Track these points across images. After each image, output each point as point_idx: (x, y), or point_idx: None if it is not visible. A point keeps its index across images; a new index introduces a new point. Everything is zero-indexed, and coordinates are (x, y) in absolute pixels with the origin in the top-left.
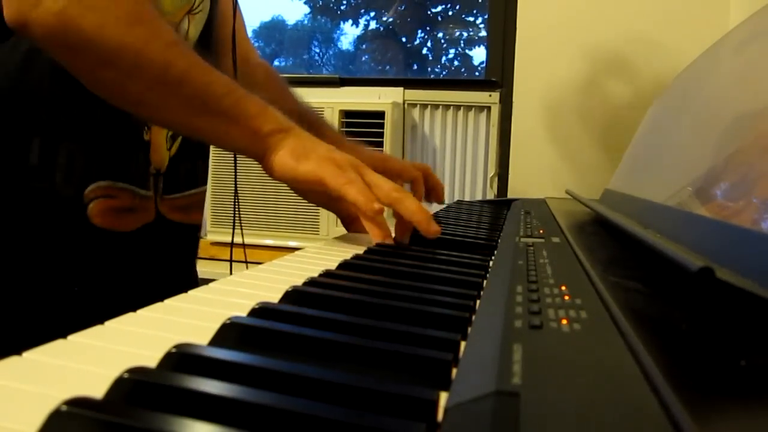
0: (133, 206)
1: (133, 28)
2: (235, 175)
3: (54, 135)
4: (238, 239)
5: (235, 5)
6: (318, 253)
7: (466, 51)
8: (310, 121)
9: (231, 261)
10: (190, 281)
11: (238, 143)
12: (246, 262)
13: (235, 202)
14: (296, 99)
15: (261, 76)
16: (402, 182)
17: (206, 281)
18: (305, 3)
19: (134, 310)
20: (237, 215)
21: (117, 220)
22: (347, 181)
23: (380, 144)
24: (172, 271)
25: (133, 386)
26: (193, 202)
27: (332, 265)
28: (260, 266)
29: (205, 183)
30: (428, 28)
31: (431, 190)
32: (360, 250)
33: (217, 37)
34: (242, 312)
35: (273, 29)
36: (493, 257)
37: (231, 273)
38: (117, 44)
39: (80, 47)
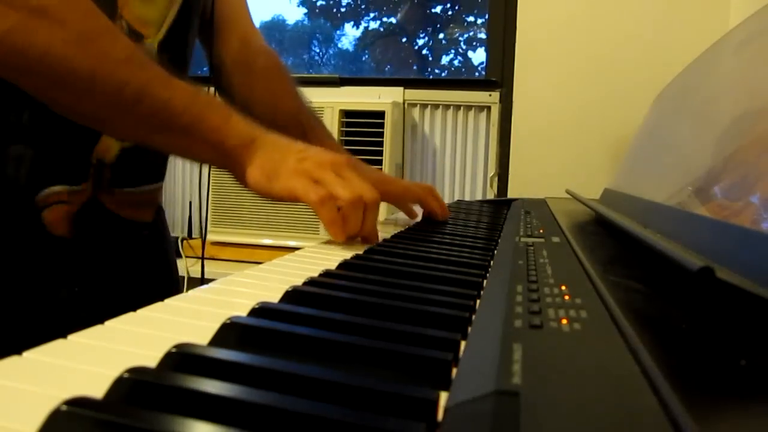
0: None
1: (84, 47)
2: (209, 175)
3: (2, 137)
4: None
5: None
6: (318, 253)
7: (467, 51)
8: (305, 125)
9: (203, 258)
10: (170, 279)
11: (202, 157)
12: (201, 257)
13: (206, 198)
14: (297, 97)
15: (261, 65)
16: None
17: (206, 281)
18: (301, 4)
19: (134, 310)
20: (206, 211)
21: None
22: (319, 199)
23: (380, 144)
24: (152, 269)
25: (133, 386)
26: (146, 199)
27: (332, 265)
28: (260, 266)
29: (161, 179)
30: (429, 29)
31: (432, 212)
32: (360, 250)
33: (219, 15)
34: (242, 312)
35: (273, 29)
36: (493, 257)
37: (203, 273)
38: (67, 67)
39: (28, 71)
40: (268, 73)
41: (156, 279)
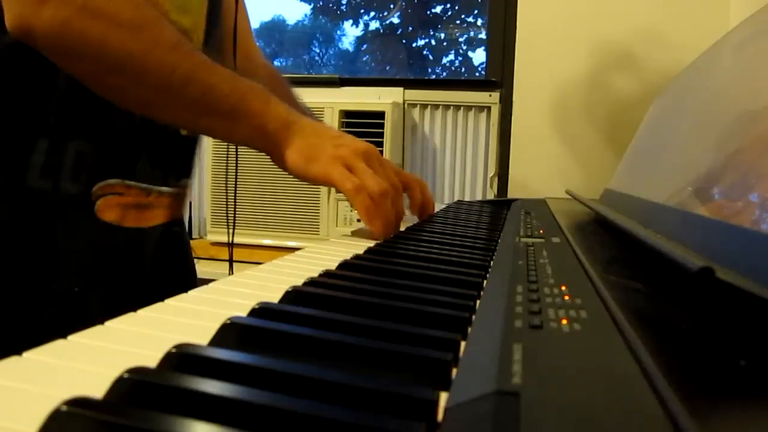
0: (147, 203)
1: (137, 34)
2: (236, 176)
3: (63, 134)
4: (235, 238)
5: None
6: (318, 253)
7: (467, 51)
8: None
9: (231, 261)
10: (191, 275)
11: (244, 139)
12: (239, 261)
13: (234, 201)
14: (299, 105)
15: (264, 76)
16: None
17: (206, 281)
18: (306, 1)
19: (134, 310)
20: (234, 215)
21: (128, 217)
22: (354, 188)
23: (380, 144)
24: (175, 267)
25: (133, 386)
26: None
27: (332, 265)
28: (260, 266)
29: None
30: (429, 29)
31: (423, 205)
32: (360, 250)
33: (219, 31)
34: (242, 312)
35: (273, 29)
36: (493, 257)
37: (231, 273)
38: (121, 52)
39: (84, 56)
40: (271, 82)
41: (173, 281)
